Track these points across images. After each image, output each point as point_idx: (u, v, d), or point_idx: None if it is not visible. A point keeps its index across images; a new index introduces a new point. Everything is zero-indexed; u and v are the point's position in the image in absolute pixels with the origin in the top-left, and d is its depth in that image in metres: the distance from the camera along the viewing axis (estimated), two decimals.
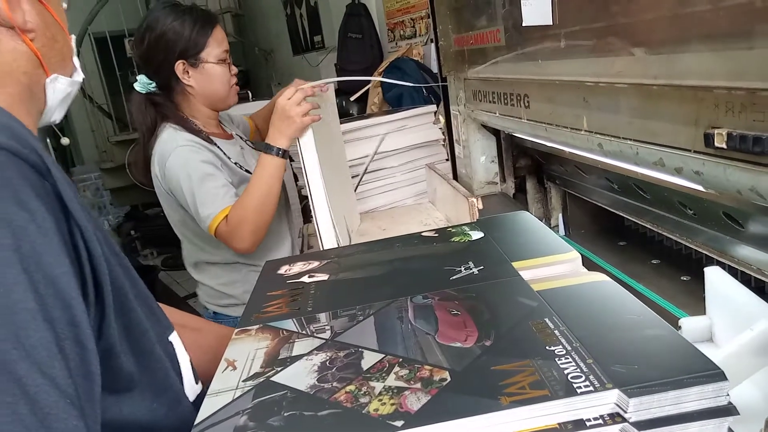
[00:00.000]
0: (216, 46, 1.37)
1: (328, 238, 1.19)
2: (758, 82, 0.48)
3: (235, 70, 1.45)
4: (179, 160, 1.30)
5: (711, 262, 0.79)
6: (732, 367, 0.57)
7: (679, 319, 0.72)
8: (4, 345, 0.39)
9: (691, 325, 0.70)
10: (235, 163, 1.43)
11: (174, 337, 0.64)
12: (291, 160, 1.63)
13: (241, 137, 1.59)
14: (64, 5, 0.64)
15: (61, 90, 0.62)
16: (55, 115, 0.64)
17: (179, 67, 1.35)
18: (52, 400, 0.40)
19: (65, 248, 0.46)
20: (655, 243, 1.06)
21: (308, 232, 1.75)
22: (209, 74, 1.37)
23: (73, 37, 0.66)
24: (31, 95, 0.59)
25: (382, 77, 2.59)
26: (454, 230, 0.87)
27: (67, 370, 0.42)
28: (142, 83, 1.36)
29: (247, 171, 1.44)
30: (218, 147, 1.40)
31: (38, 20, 0.58)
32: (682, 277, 0.92)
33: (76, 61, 0.66)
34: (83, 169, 5.30)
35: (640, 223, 0.98)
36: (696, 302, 0.82)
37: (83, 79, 0.67)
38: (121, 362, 0.53)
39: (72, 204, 0.49)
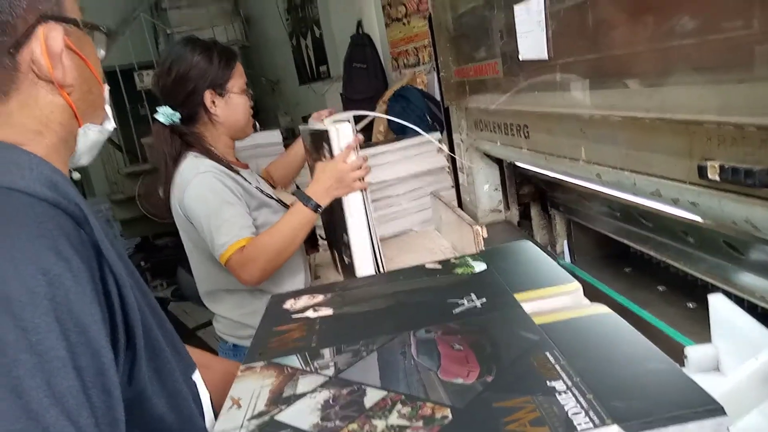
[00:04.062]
0: (239, 78, 1.45)
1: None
2: (747, 117, 0.48)
3: (251, 102, 1.51)
4: (200, 186, 1.33)
5: (717, 289, 0.79)
6: (739, 396, 0.57)
7: (685, 347, 0.72)
8: (36, 392, 0.40)
9: (697, 354, 0.70)
10: (256, 188, 1.46)
11: (197, 376, 0.66)
12: None
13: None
14: (102, 53, 0.67)
15: (91, 137, 0.65)
16: (83, 159, 0.66)
17: (207, 96, 1.41)
18: None
19: (97, 297, 0.47)
20: (661, 269, 1.05)
21: (315, 263, 1.76)
22: (234, 104, 1.44)
23: (107, 87, 0.68)
24: (65, 144, 0.61)
25: (387, 105, 2.63)
26: (457, 262, 0.88)
27: (93, 418, 0.43)
28: (166, 114, 1.41)
29: (268, 195, 1.47)
30: (239, 174, 1.43)
31: (76, 74, 0.60)
32: (688, 304, 0.92)
33: (108, 109, 0.69)
34: (94, 201, 5.36)
35: (644, 250, 0.98)
36: (702, 329, 0.81)
37: (111, 127, 0.69)
38: (153, 405, 0.54)
39: (108, 252, 0.50)
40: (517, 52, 0.87)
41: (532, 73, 0.88)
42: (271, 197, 1.50)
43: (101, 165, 5.41)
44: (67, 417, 0.41)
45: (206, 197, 1.31)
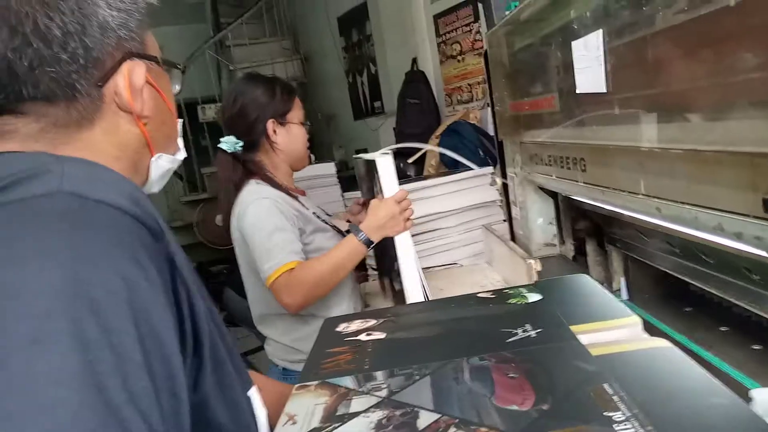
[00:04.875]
0: (297, 110, 1.56)
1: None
2: None
3: (307, 135, 1.61)
4: (257, 211, 1.39)
5: None
6: None
7: (749, 390, 0.69)
8: (115, 390, 0.42)
9: (763, 397, 0.67)
10: (313, 213, 1.51)
11: (253, 392, 0.67)
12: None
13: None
14: (177, 88, 0.72)
15: (162, 167, 0.70)
16: (155, 187, 0.71)
17: (270, 125, 1.51)
18: None
19: (170, 305, 0.50)
20: (723, 309, 1.02)
21: (365, 291, 1.77)
22: (293, 134, 1.55)
23: (180, 121, 0.74)
24: (136, 170, 0.66)
25: (440, 140, 2.66)
26: (511, 292, 0.87)
27: (162, 420, 0.45)
28: (230, 143, 1.50)
29: (324, 221, 1.52)
30: (297, 200, 1.49)
31: (153, 107, 0.65)
32: (753, 346, 0.88)
33: (180, 142, 0.74)
34: None
35: (705, 288, 0.95)
36: None
37: (181, 158, 0.74)
38: (214, 413, 0.56)
39: (181, 265, 0.54)
40: (575, 86, 0.88)
41: (590, 106, 0.88)
42: (326, 224, 1.54)
43: (163, 193, 5.62)
44: (141, 416, 0.43)
45: (261, 222, 1.37)
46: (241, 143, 1.49)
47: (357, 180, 1.74)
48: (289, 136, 1.54)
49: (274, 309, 1.50)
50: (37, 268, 0.44)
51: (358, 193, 2.01)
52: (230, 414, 0.59)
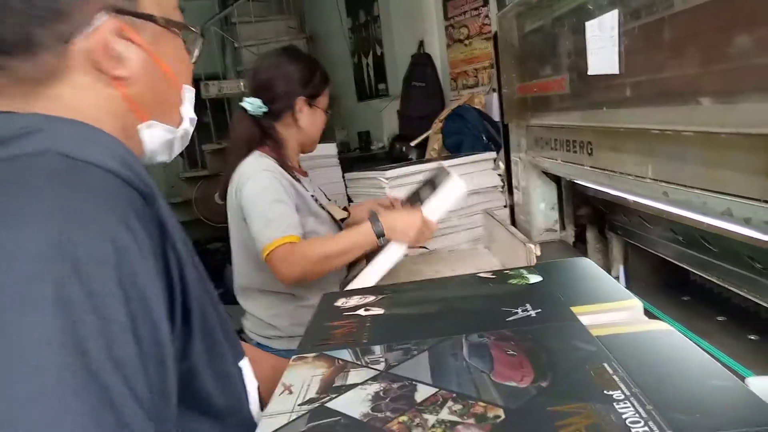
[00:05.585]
0: (325, 98, 1.59)
1: None
2: None
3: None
4: (260, 181, 1.39)
5: None
6: None
7: (746, 378, 0.69)
8: (98, 353, 0.41)
9: (758, 385, 0.67)
10: (312, 196, 1.51)
11: (244, 363, 0.67)
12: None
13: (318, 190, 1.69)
14: (196, 53, 0.68)
15: (157, 136, 0.65)
16: (160, 157, 0.67)
17: (299, 102, 1.51)
18: (133, 412, 0.42)
19: (159, 271, 0.49)
20: (721, 299, 1.02)
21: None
22: (316, 118, 1.57)
23: (189, 89, 0.68)
24: (127, 136, 0.61)
25: (443, 124, 2.64)
26: (511, 273, 0.87)
27: (148, 386, 0.44)
28: (254, 105, 1.49)
29: (320, 206, 1.52)
30: (298, 180, 1.49)
31: (138, 67, 0.60)
32: (749, 336, 0.88)
33: (185, 111, 0.68)
34: None
35: (705, 277, 0.95)
36: (765, 362, 0.78)
37: (186, 128, 0.68)
38: (202, 382, 0.55)
39: (173, 230, 0.53)
40: (586, 68, 0.87)
41: (601, 88, 0.87)
42: (323, 208, 1.54)
43: (162, 169, 5.61)
44: (124, 381, 0.42)
45: (263, 192, 1.37)
46: (265, 108, 1.49)
47: (418, 182, 1.65)
48: (312, 119, 1.55)
49: (257, 283, 1.51)
50: (23, 230, 0.43)
51: (357, 174, 2.01)
52: (220, 385, 0.58)
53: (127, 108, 0.61)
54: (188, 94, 0.68)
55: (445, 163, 1.85)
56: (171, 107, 0.66)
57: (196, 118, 0.70)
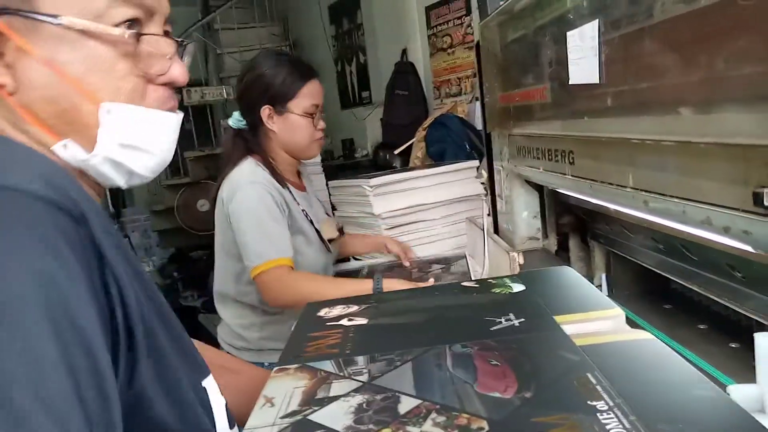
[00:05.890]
0: (306, 99, 1.43)
1: None
2: None
3: (322, 125, 1.49)
4: (252, 194, 1.35)
5: (762, 328, 0.76)
6: None
7: (726, 386, 0.69)
8: (23, 398, 0.38)
9: (740, 393, 0.67)
10: (302, 210, 1.47)
11: (208, 382, 0.63)
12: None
13: (318, 199, 1.65)
14: (161, 66, 0.61)
15: (81, 159, 0.56)
16: (117, 182, 0.59)
17: (265, 111, 1.43)
18: None
19: (95, 297, 0.46)
20: (702, 307, 1.02)
21: None
22: (292, 124, 1.43)
23: (105, 107, 0.55)
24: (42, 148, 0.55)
25: (427, 132, 2.65)
26: (495, 282, 0.87)
27: (86, 421, 0.41)
28: (235, 119, 1.47)
29: (311, 221, 1.48)
30: (290, 192, 1.45)
31: (29, 75, 0.53)
32: (730, 344, 0.89)
33: (103, 135, 0.56)
34: (133, 211, 5.48)
35: (686, 285, 0.95)
36: (745, 370, 0.78)
37: (106, 155, 0.57)
38: (155, 410, 0.52)
39: (108, 251, 0.48)
40: (568, 76, 0.88)
41: (582, 98, 0.88)
42: (314, 227, 1.50)
43: None
44: (54, 421, 0.39)
45: (256, 207, 1.34)
46: (244, 122, 1.47)
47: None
48: (287, 126, 1.44)
49: (232, 293, 1.49)
50: None
51: (341, 182, 2.00)
52: (176, 412, 0.55)
53: (30, 121, 0.54)
54: (115, 114, 0.56)
55: (429, 172, 1.86)
56: (85, 127, 0.56)
57: (136, 144, 0.58)
